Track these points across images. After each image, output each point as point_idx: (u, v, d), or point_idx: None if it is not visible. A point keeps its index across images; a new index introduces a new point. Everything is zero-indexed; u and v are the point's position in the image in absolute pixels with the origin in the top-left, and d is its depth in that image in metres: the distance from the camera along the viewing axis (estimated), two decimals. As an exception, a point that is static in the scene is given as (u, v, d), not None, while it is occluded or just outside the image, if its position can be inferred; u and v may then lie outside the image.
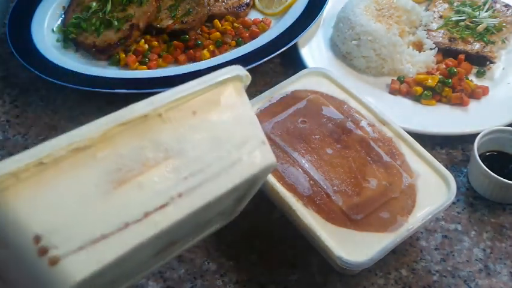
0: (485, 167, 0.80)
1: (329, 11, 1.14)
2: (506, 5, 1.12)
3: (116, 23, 1.08)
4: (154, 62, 1.04)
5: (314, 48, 1.07)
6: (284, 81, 0.86)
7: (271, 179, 0.73)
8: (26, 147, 0.92)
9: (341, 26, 1.06)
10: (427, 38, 1.06)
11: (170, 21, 1.10)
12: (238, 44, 1.08)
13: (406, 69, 1.02)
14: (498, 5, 1.11)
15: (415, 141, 0.77)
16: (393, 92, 0.99)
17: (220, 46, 1.07)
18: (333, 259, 0.66)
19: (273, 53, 1.01)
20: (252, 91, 1.02)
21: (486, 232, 0.80)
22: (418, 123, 0.91)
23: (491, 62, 1.04)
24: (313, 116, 0.80)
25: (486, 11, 1.09)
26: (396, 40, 1.01)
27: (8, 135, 0.95)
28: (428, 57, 1.03)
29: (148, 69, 1.03)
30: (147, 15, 1.08)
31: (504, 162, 0.85)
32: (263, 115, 0.81)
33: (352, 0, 1.08)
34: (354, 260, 0.65)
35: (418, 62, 1.02)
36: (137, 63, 1.04)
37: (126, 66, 1.04)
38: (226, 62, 1.02)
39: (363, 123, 0.79)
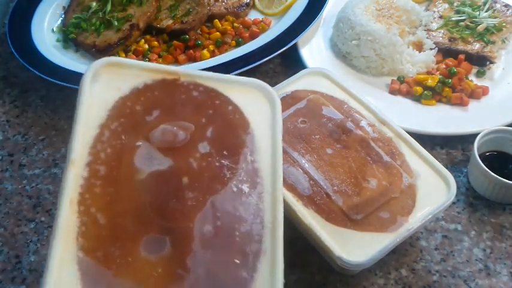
0: (485, 167, 0.80)
1: (329, 11, 1.14)
2: (506, 5, 1.12)
3: (116, 23, 1.08)
4: (154, 62, 1.04)
5: (314, 48, 1.07)
6: (284, 81, 0.86)
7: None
8: (26, 147, 0.92)
9: (341, 26, 1.06)
10: (427, 38, 1.06)
11: (170, 21, 1.10)
12: (238, 44, 1.08)
13: (406, 69, 1.02)
14: (498, 5, 1.11)
15: (415, 141, 0.77)
16: (393, 92, 0.99)
17: (220, 46, 1.07)
18: (333, 259, 0.66)
19: (273, 53, 1.01)
20: (252, 91, 1.02)
21: (486, 232, 0.80)
22: (418, 123, 0.91)
23: (491, 62, 1.04)
24: (313, 116, 0.80)
25: (486, 11, 1.09)
26: (396, 40, 1.01)
27: (8, 135, 0.95)
28: (428, 57, 1.03)
29: (148, 69, 1.03)
30: (147, 15, 1.08)
31: (504, 162, 0.84)
32: (263, 115, 0.81)
33: (352, 0, 1.08)
34: (354, 260, 0.65)
35: (418, 62, 1.02)
36: (137, 63, 1.04)
37: (126, 66, 1.05)
38: (226, 62, 1.02)
39: (363, 123, 0.79)
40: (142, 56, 1.06)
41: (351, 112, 0.81)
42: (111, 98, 0.57)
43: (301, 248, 0.76)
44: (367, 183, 0.72)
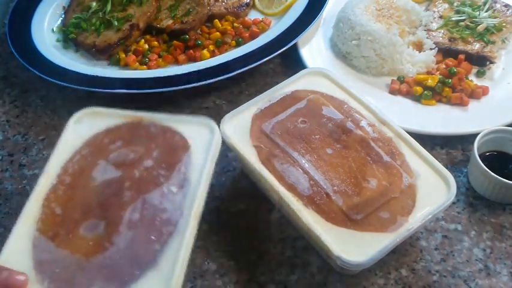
0: (485, 167, 0.80)
1: (329, 11, 1.14)
2: (506, 5, 1.12)
3: (116, 23, 1.08)
4: (154, 62, 1.04)
5: (314, 48, 1.07)
6: (284, 81, 0.86)
7: (271, 179, 0.73)
8: (26, 147, 0.92)
9: (341, 26, 1.06)
10: (427, 38, 1.06)
11: (170, 21, 1.10)
12: (238, 44, 1.08)
13: (406, 69, 1.02)
14: (498, 5, 1.11)
15: (415, 141, 0.77)
16: (393, 92, 0.99)
17: (220, 46, 1.07)
18: (333, 259, 0.66)
19: (273, 53, 1.01)
20: (252, 91, 1.02)
21: (486, 232, 0.80)
22: (418, 123, 0.91)
23: (491, 62, 1.04)
24: (313, 116, 0.80)
25: (486, 11, 1.09)
26: (396, 40, 1.01)
27: (8, 135, 0.95)
28: (428, 57, 1.03)
29: (148, 69, 1.03)
30: (147, 15, 1.08)
31: (504, 162, 0.85)
32: (263, 115, 0.81)
33: (352, 0, 1.08)
34: (354, 260, 0.65)
35: (418, 62, 1.02)
36: (137, 63, 1.04)
37: (126, 66, 1.05)
38: (226, 62, 1.02)
39: (363, 123, 0.79)
40: (142, 56, 1.06)
41: (351, 112, 0.81)
42: (88, 134, 0.75)
43: (301, 248, 0.76)
44: (367, 183, 0.72)
